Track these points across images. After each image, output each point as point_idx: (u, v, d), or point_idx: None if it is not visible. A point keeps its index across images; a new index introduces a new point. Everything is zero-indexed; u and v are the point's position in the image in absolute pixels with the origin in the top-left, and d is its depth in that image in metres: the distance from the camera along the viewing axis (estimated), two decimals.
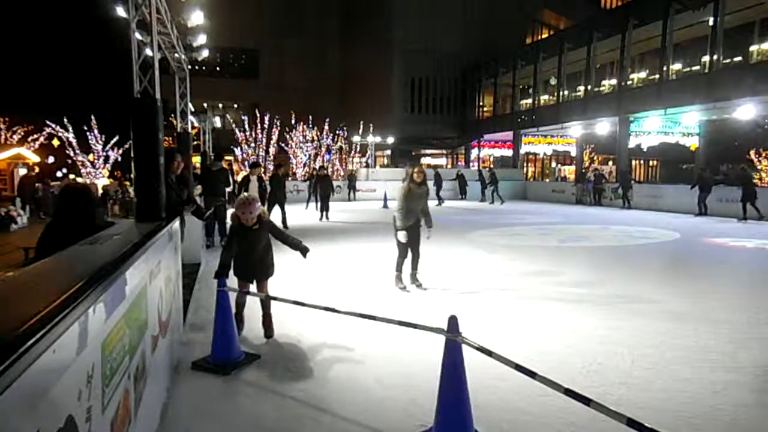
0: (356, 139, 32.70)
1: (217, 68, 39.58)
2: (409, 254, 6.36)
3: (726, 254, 9.38)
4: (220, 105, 40.65)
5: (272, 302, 4.51)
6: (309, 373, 3.81)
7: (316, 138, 32.08)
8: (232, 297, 4.05)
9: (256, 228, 4.39)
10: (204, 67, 32.43)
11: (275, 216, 10.72)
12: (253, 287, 4.58)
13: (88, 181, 26.29)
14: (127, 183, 19.15)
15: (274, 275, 4.71)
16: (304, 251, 4.57)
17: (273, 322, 4.62)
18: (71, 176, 28.48)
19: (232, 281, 4.38)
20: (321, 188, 15.29)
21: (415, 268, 6.40)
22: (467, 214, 17.56)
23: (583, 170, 25.68)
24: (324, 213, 15.08)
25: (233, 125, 32.52)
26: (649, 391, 3.46)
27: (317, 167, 23.81)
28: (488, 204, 22.49)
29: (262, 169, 10.91)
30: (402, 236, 6.11)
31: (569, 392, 2.09)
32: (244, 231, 4.39)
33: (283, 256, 7.96)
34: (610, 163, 28.95)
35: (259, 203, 4.57)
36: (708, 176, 16.15)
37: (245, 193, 5.14)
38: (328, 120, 32.15)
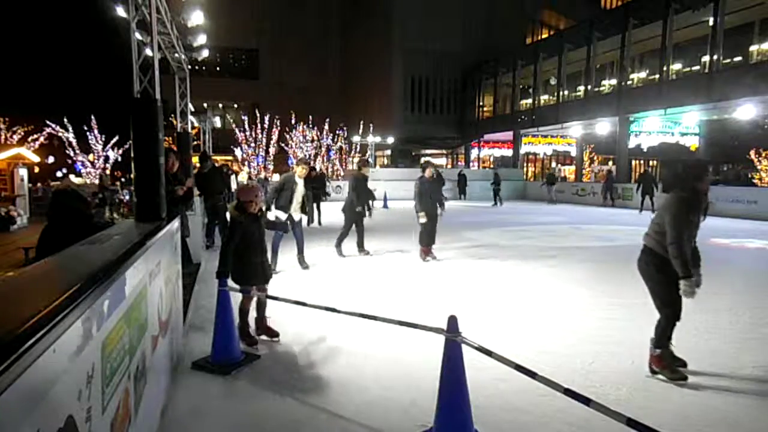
0: (356, 139, 32.72)
1: (217, 68, 39.60)
2: None
3: (726, 255, 9.38)
4: (220, 105, 40.66)
5: (274, 302, 4.47)
6: (309, 373, 3.81)
7: (316, 138, 32.10)
8: (233, 297, 4.04)
9: (260, 216, 4.35)
10: (204, 67, 32.47)
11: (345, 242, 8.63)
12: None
13: (87, 181, 26.31)
14: (118, 184, 19.14)
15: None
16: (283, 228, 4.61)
17: (270, 325, 4.53)
18: (70, 176, 28.51)
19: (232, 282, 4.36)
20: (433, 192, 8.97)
21: None
22: (466, 215, 17.56)
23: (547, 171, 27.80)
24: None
25: (233, 125, 32.56)
26: (649, 391, 3.46)
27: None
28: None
29: (306, 169, 7.33)
30: None
31: (569, 392, 2.09)
32: (249, 221, 4.27)
33: (282, 256, 7.97)
34: (610, 162, 28.94)
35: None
36: (649, 176, 18.55)
37: (249, 182, 4.80)
38: (328, 120, 32.17)
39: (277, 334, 4.48)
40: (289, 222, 7.23)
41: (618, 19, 24.06)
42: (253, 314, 4.52)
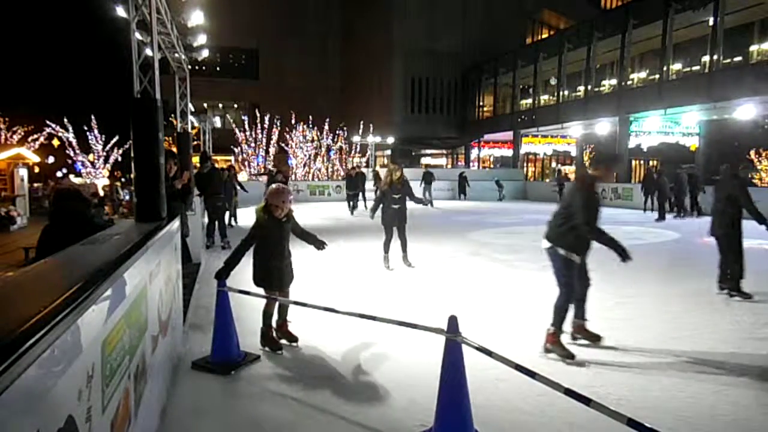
0: (356, 139, 32.69)
1: (217, 68, 39.47)
2: None
3: None
4: (220, 105, 40.61)
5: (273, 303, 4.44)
6: (309, 373, 3.80)
7: (316, 138, 32.08)
8: (233, 297, 4.04)
9: (285, 221, 4.19)
10: (204, 67, 32.35)
11: None
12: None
13: (88, 181, 26.32)
14: (119, 183, 19.15)
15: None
16: (319, 245, 4.44)
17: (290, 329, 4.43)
18: (70, 176, 28.54)
19: (232, 282, 4.34)
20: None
21: None
22: (467, 214, 17.56)
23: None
24: None
25: (233, 125, 32.54)
26: (649, 391, 3.46)
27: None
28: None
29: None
30: None
31: (569, 392, 2.09)
32: (273, 226, 4.14)
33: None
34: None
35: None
36: (651, 177, 18.00)
37: (275, 184, 4.49)
38: (328, 120, 32.15)
39: (296, 339, 4.38)
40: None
41: (618, 19, 24.04)
42: (275, 317, 4.45)
